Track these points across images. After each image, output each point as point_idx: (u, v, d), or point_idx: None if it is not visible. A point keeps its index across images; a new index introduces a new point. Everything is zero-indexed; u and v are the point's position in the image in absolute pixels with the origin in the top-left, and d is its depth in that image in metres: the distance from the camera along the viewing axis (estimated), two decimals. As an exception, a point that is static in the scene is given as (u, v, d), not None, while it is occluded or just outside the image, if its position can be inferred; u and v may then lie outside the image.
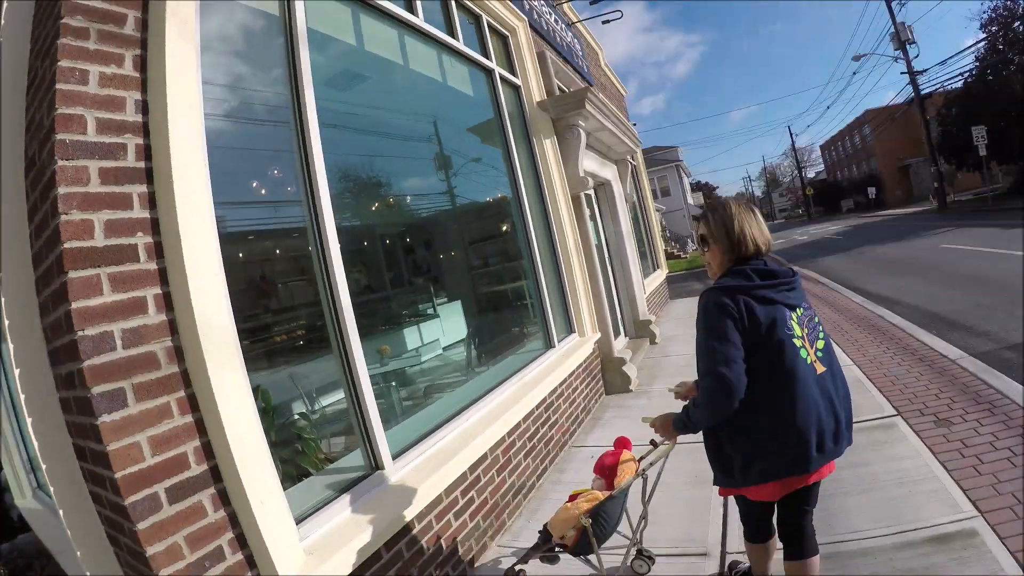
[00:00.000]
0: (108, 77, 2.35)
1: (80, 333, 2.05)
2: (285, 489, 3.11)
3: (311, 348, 4.41)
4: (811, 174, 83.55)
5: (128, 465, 2.07)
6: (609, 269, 10.14)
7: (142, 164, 2.38)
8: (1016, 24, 27.34)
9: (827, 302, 11.05)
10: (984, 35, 29.31)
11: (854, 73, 48.36)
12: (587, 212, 8.23)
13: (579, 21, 12.52)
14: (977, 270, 11.60)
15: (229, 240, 4.33)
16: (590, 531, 2.97)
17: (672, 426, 2.63)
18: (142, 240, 2.30)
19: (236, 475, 2.35)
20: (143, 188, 2.37)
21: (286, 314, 4.33)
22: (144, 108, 2.45)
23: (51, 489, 2.36)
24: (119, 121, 2.34)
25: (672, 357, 9.10)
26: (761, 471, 2.39)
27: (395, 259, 7.07)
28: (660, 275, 15.40)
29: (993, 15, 28.62)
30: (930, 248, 16.66)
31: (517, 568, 3.40)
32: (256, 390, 3.82)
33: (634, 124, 17.20)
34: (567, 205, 7.46)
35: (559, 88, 9.27)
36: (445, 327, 6.68)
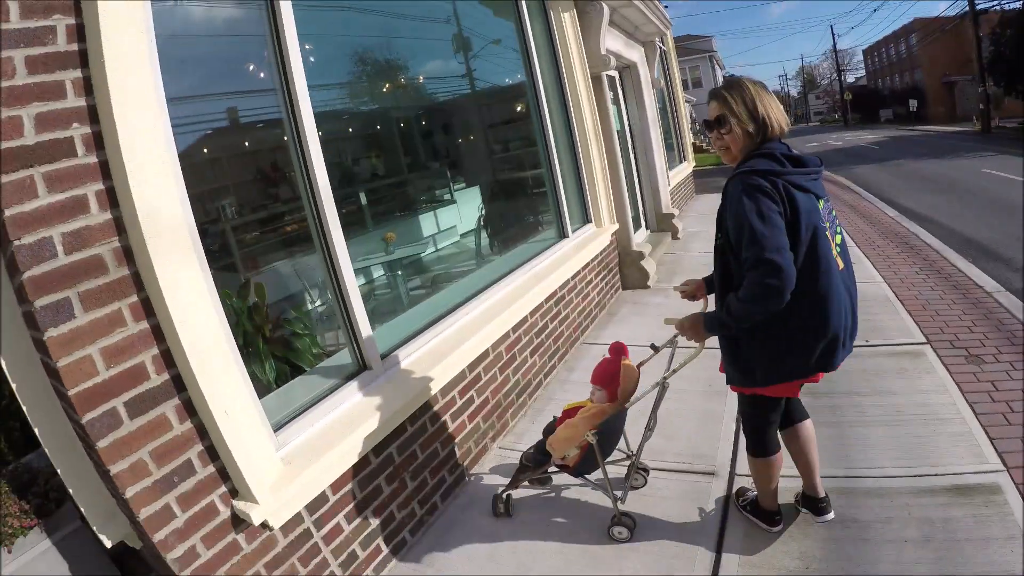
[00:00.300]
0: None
1: (17, 243, 1.81)
2: (273, 390, 2.93)
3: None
4: (851, 79, 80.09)
5: (81, 380, 1.90)
6: (632, 157, 9.61)
7: (75, 46, 1.99)
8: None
9: (859, 211, 10.59)
10: None
11: (910, -20, 44.58)
12: (609, 95, 7.67)
13: None
14: (1019, 201, 10.96)
15: (236, 131, 4.06)
16: (596, 448, 2.74)
17: (704, 327, 2.41)
18: (79, 131, 1.97)
19: (196, 383, 2.15)
20: (77, 73, 1.99)
21: (292, 204, 4.05)
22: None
23: (24, 408, 2.15)
24: (46, 2, 1.93)
25: (694, 254, 8.77)
26: (791, 370, 2.32)
27: (410, 144, 6.69)
28: (686, 168, 14.75)
29: None
30: (971, 171, 15.82)
31: (504, 494, 3.21)
32: (247, 284, 3.64)
33: (665, 7, 15.93)
34: (586, 85, 6.84)
35: None
36: (459, 214, 6.37)
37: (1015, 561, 2.43)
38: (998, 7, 30.77)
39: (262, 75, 3.13)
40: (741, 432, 3.36)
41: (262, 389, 2.86)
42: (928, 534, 2.67)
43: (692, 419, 3.96)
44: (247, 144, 4.32)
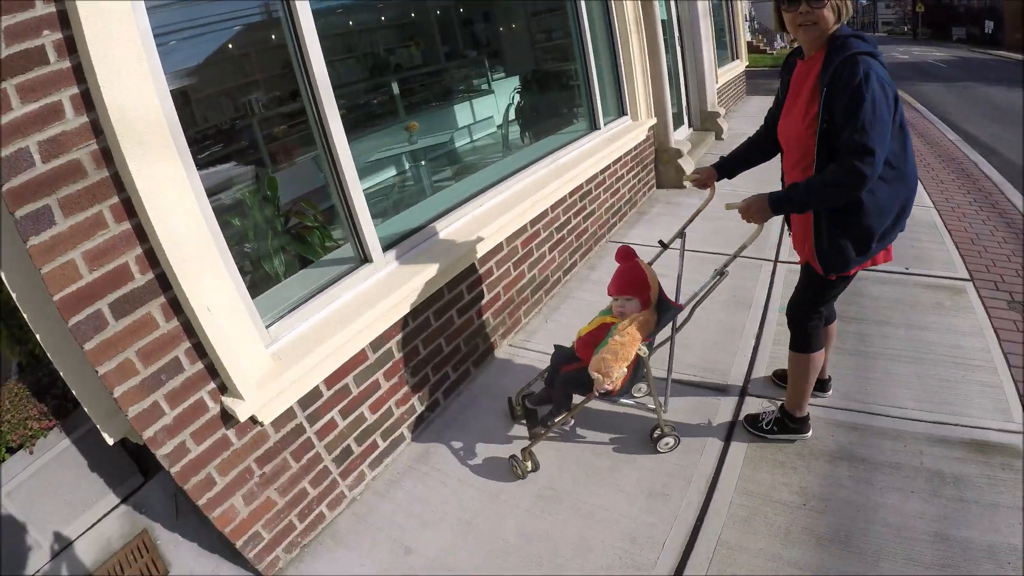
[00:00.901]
0: None
1: (-7, 158, 1.71)
2: (276, 284, 2.89)
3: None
4: (926, -11, 75.42)
5: (65, 285, 1.88)
6: (678, 50, 9.03)
7: None
8: None
9: (918, 130, 10.04)
10: None
11: None
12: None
13: None
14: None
15: (242, 30, 3.81)
16: (647, 362, 2.59)
17: (769, 204, 2.32)
18: (50, 38, 1.83)
19: (178, 281, 2.10)
20: None
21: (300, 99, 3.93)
22: None
23: (24, 315, 2.13)
24: None
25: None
26: (876, 244, 2.36)
27: (447, 33, 6.32)
28: (738, 66, 13.90)
29: None
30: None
31: (527, 450, 2.85)
32: (258, 179, 3.46)
33: None
34: None
35: None
36: (498, 103, 6.03)
37: (1018, 535, 2.30)
38: None
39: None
40: (759, 349, 3.39)
41: (271, 281, 2.86)
42: (936, 488, 2.55)
43: (711, 330, 3.82)
44: (255, 42, 4.22)
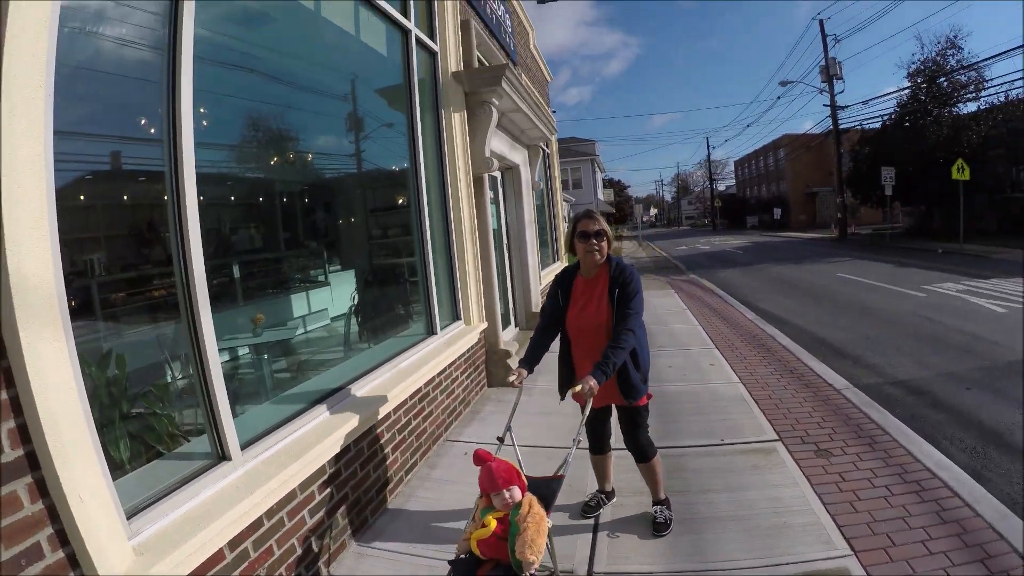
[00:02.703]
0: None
1: None
2: (125, 474, 2.79)
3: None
4: (721, 187, 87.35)
5: None
6: (506, 255, 9.98)
7: None
8: (941, 80, 29.11)
9: (721, 315, 11.34)
10: (909, 84, 30.99)
11: (778, 98, 50.99)
12: (489, 195, 8.02)
13: None
14: (869, 303, 12.22)
15: (116, 179, 3.91)
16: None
17: (597, 379, 3.25)
18: None
19: (52, 463, 2.06)
20: None
21: (163, 267, 3.88)
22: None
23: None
24: None
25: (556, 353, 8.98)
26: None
27: (290, 218, 6.63)
28: (559, 267, 15.39)
29: (922, 67, 30.22)
30: (826, 275, 17.49)
31: None
32: (108, 355, 3.44)
33: (554, 112, 17.06)
34: (468, 185, 7.19)
35: (479, 60, 8.99)
36: (332, 297, 6.31)
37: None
38: (859, 127, 35.51)
39: (149, 124, 3.13)
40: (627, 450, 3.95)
41: (116, 468, 2.70)
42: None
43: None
44: (125, 195, 4.08)
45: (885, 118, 32.09)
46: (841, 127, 35.69)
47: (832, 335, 9.55)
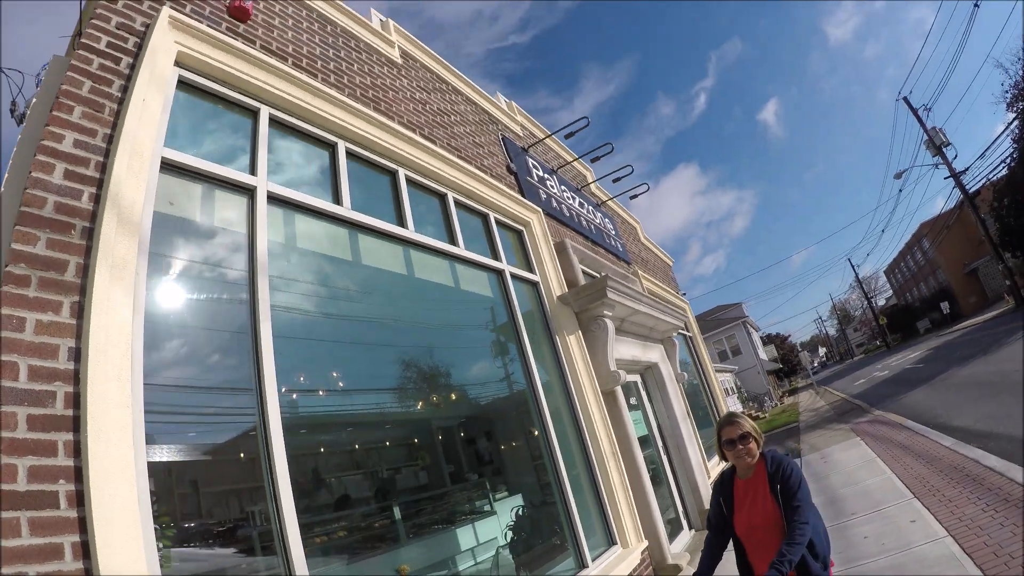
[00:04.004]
0: (44, 324, 2.68)
1: (-3, 574, 2.13)
2: None
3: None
4: (881, 301, 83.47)
5: None
6: (663, 457, 9.58)
7: (70, 412, 2.61)
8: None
9: (914, 452, 10.14)
10: (1013, 114, 29.19)
11: (900, 190, 48.74)
12: (624, 405, 7.85)
13: (609, 199, 12.81)
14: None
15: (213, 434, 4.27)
16: None
17: (786, 572, 3.18)
18: (64, 488, 2.43)
19: None
20: (69, 436, 2.57)
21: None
22: (76, 355, 2.73)
23: None
24: (50, 368, 2.62)
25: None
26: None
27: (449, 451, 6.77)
28: (727, 448, 14.43)
29: (1017, 91, 28.59)
30: (1016, 358, 15.50)
31: None
32: None
33: (683, 293, 16.93)
34: (598, 401, 7.12)
35: (588, 274, 9.26)
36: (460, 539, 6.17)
37: None
38: (988, 181, 32.92)
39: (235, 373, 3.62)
40: None
41: None
42: None
43: None
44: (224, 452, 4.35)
45: (1007, 160, 29.94)
46: (971, 189, 32.97)
47: (1046, 435, 8.25)
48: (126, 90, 3.62)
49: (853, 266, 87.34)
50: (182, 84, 4.23)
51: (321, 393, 4.46)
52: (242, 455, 3.77)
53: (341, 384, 4.69)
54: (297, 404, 4.21)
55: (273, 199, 4.38)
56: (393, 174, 5.88)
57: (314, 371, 4.42)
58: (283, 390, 3.71)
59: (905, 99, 34.68)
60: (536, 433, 6.41)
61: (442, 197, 6.49)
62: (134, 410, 2.84)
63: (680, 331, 12.20)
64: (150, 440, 2.96)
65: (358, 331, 5.14)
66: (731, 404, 42.23)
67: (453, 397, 6.49)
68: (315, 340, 4.60)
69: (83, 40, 3.60)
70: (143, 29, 3.97)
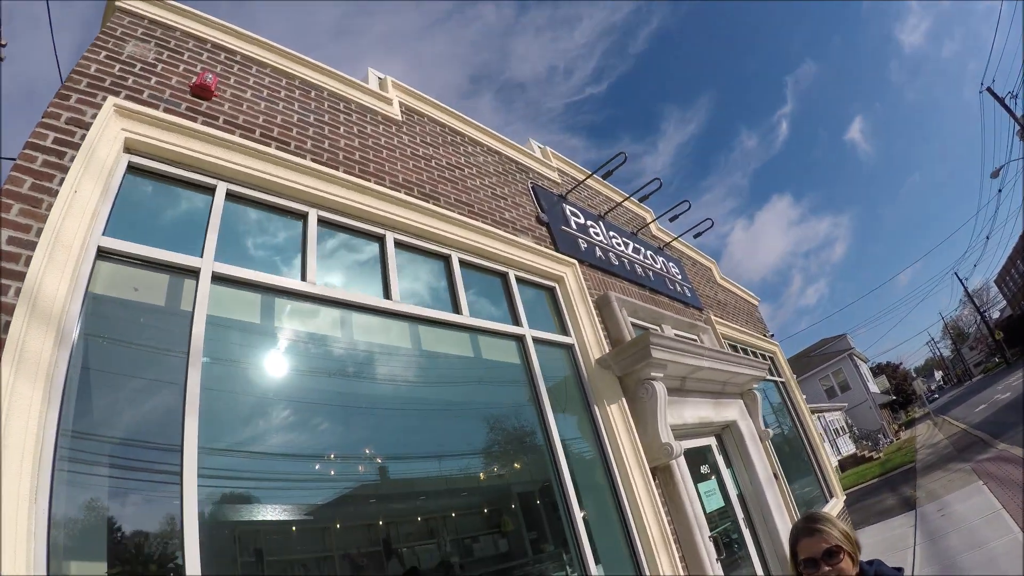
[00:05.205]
0: None
1: None
2: None
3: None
4: (995, 314, 77.94)
5: None
6: (744, 531, 8.50)
7: None
8: None
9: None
10: None
11: (999, 190, 45.57)
12: (682, 482, 6.92)
13: (673, 240, 11.97)
14: None
15: None
16: None
17: None
18: None
19: None
20: None
21: None
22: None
23: None
24: None
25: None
26: None
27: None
28: (836, 505, 13.01)
29: None
30: None
31: None
32: None
33: (770, 335, 15.71)
34: (644, 482, 6.20)
35: (640, 327, 8.49)
36: None
37: None
38: None
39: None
40: None
41: None
42: None
43: None
44: None
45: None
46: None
47: None
48: (63, 183, 3.68)
49: (961, 279, 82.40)
50: (133, 169, 4.19)
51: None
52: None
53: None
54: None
55: (219, 279, 4.14)
56: (380, 239, 5.44)
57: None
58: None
59: (989, 89, 32.36)
60: (561, 519, 5.58)
61: (446, 259, 5.98)
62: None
63: (766, 379, 11.14)
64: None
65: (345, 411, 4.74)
66: (842, 445, 39.65)
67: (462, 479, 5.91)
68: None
69: (30, 140, 3.69)
70: (91, 121, 3.99)
